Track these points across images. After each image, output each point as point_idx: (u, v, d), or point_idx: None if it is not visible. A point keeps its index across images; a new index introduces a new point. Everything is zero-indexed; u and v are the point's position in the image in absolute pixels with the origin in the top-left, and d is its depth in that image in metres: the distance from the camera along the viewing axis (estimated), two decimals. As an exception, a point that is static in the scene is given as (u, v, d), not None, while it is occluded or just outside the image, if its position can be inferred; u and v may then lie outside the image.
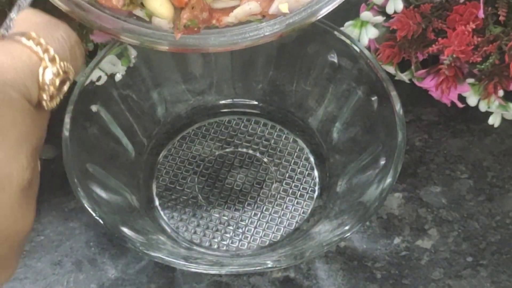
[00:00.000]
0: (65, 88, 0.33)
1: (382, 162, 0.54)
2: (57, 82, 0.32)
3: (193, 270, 0.47)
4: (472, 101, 0.58)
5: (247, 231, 0.56)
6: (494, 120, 0.60)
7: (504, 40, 0.53)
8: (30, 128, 0.31)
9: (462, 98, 0.59)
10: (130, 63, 0.59)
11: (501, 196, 0.59)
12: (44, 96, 0.32)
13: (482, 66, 0.54)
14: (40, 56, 0.31)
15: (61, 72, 0.32)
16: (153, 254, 0.47)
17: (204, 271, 0.47)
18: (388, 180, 0.51)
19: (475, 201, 0.59)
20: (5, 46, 0.31)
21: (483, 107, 0.59)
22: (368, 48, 0.61)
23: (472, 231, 0.57)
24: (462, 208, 0.59)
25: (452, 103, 0.59)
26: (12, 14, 0.36)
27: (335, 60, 0.59)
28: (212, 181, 0.59)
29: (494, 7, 0.53)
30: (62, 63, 0.32)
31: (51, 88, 0.32)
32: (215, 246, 0.56)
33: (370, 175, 0.54)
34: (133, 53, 0.59)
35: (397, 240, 0.57)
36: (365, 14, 0.58)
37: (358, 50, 0.58)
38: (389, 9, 0.56)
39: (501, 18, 0.52)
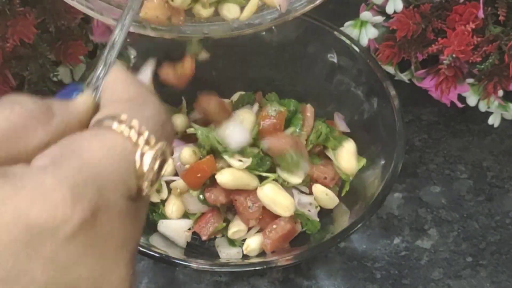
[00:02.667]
0: (164, 170, 0.29)
1: (382, 162, 0.54)
2: (156, 166, 0.28)
3: (193, 268, 0.47)
4: (471, 101, 0.58)
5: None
6: (493, 120, 0.60)
7: (503, 40, 0.53)
8: (130, 231, 0.27)
9: (461, 98, 0.59)
10: (130, 63, 0.59)
11: (501, 196, 0.59)
12: (144, 185, 0.28)
13: (482, 66, 0.54)
14: (134, 141, 0.27)
15: (158, 155, 0.28)
16: (153, 254, 0.47)
17: (204, 270, 0.47)
18: (388, 180, 0.51)
19: (474, 201, 0.59)
20: (99, 136, 0.27)
21: (482, 107, 0.59)
22: (368, 48, 0.61)
23: (472, 231, 0.57)
24: (461, 208, 0.59)
25: (452, 103, 0.59)
26: (99, 72, 0.32)
27: (335, 60, 0.59)
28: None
29: (493, 7, 0.53)
30: (158, 144, 0.28)
31: (151, 175, 0.28)
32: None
33: (370, 175, 0.54)
34: (133, 53, 0.59)
35: (396, 240, 0.57)
36: (365, 14, 0.58)
37: (358, 50, 0.58)
38: (389, 9, 0.56)
39: (500, 18, 0.52)
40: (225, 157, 0.52)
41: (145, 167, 0.27)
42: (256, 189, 0.52)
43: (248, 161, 0.52)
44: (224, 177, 0.51)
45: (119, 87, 0.30)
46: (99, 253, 0.25)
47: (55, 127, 0.27)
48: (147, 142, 0.27)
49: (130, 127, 0.27)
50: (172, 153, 0.31)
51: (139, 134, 0.27)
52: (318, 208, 0.54)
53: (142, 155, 0.27)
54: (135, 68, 0.58)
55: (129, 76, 0.31)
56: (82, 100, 0.30)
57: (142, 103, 0.29)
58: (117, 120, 0.27)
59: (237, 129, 0.52)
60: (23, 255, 0.23)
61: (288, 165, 0.51)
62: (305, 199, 0.53)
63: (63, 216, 0.23)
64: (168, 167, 0.52)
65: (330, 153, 0.56)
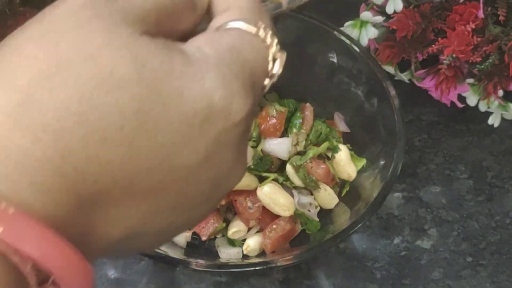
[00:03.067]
0: (277, 71, 0.31)
1: (382, 162, 0.54)
2: (280, 71, 0.30)
3: (193, 268, 0.47)
4: (471, 101, 0.58)
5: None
6: (493, 120, 0.60)
7: (503, 40, 0.53)
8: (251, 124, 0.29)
9: (461, 98, 0.59)
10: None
11: (501, 196, 0.59)
12: (267, 83, 0.30)
13: (482, 66, 0.54)
14: (268, 45, 0.29)
15: (283, 62, 0.30)
16: (153, 254, 0.47)
17: (204, 270, 0.47)
18: (388, 180, 0.51)
19: (474, 201, 0.59)
20: (245, 38, 0.28)
21: (482, 107, 0.59)
22: (368, 48, 0.61)
23: (472, 231, 0.57)
24: (461, 208, 0.59)
25: (452, 103, 0.59)
26: None
27: (335, 60, 0.59)
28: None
29: (493, 7, 0.53)
30: (284, 53, 0.30)
31: (275, 79, 0.30)
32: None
33: (370, 175, 0.54)
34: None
35: (396, 240, 0.57)
36: (365, 14, 0.58)
37: (358, 50, 0.58)
38: (389, 9, 0.56)
39: (500, 18, 0.52)
40: None
41: (276, 70, 0.30)
42: (255, 189, 0.52)
43: (249, 162, 0.52)
44: None
45: None
46: (245, 138, 0.28)
47: (198, 17, 0.30)
48: (277, 48, 0.30)
49: (266, 33, 0.29)
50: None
51: (272, 40, 0.30)
52: (318, 208, 0.54)
53: (274, 59, 0.30)
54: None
55: None
56: None
57: (262, 11, 0.31)
58: (254, 24, 0.29)
59: None
60: (197, 129, 0.25)
61: None
62: (305, 199, 0.53)
63: (238, 105, 0.26)
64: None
65: (327, 163, 0.56)
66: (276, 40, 0.30)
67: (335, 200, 0.54)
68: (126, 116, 0.23)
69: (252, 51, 0.28)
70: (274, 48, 0.30)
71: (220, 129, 0.25)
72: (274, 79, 0.30)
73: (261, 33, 0.29)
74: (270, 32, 0.30)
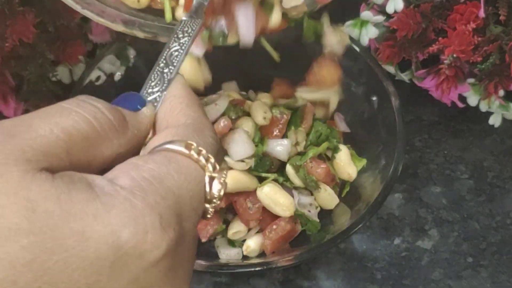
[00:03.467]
0: (222, 194, 0.28)
1: (382, 162, 0.53)
2: (222, 191, 0.27)
3: (193, 268, 0.47)
4: (472, 101, 0.58)
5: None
6: (494, 120, 0.60)
7: (504, 40, 0.52)
8: (192, 261, 0.27)
9: (462, 98, 0.59)
10: (129, 63, 0.59)
11: (502, 197, 0.59)
12: (210, 209, 0.28)
13: (483, 66, 0.54)
14: (202, 163, 0.27)
15: (223, 181, 0.28)
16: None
17: (204, 271, 0.47)
18: (388, 180, 0.51)
19: (475, 202, 0.59)
20: (173, 161, 0.26)
21: (483, 107, 0.59)
22: (368, 48, 0.60)
23: (472, 231, 0.57)
24: (462, 209, 0.58)
25: (452, 103, 0.59)
26: (154, 84, 0.31)
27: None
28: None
29: (494, 7, 0.53)
30: (225, 172, 0.28)
31: (217, 201, 0.27)
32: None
33: (371, 175, 0.54)
34: (132, 53, 0.59)
35: (397, 241, 0.56)
36: (365, 14, 0.58)
37: (358, 50, 0.58)
38: (389, 9, 0.56)
39: (501, 17, 0.52)
40: (227, 159, 0.52)
41: (215, 193, 0.27)
42: (255, 190, 0.52)
43: (250, 162, 0.52)
44: None
45: (178, 108, 0.30)
46: (173, 277, 0.25)
47: (128, 139, 0.27)
48: (214, 169, 0.27)
49: (198, 153, 0.27)
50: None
51: (207, 160, 0.27)
52: (318, 209, 0.54)
53: (211, 181, 0.27)
54: (134, 68, 0.59)
55: (188, 94, 0.30)
56: (148, 113, 0.29)
57: (202, 128, 0.29)
58: (186, 146, 0.27)
59: (241, 140, 0.52)
60: (107, 274, 0.22)
61: None
62: (305, 199, 0.53)
63: (153, 242, 0.23)
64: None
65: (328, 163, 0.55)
66: (213, 160, 0.27)
67: (336, 200, 0.54)
68: (18, 269, 0.21)
69: (180, 175, 0.26)
70: (210, 168, 0.27)
71: (136, 271, 0.23)
72: (217, 202, 0.27)
73: (193, 153, 0.27)
74: (204, 152, 0.27)
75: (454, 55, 0.53)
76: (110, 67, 0.58)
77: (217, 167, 0.27)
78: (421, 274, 0.55)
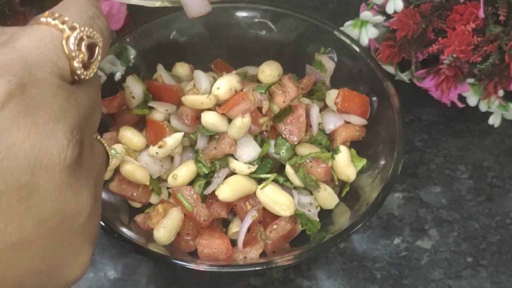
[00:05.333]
0: (97, 53, 0.33)
1: (382, 162, 0.53)
2: (83, 46, 0.32)
3: (193, 268, 0.47)
4: (472, 101, 0.58)
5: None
6: (494, 120, 0.60)
7: (504, 40, 0.53)
8: (65, 104, 0.30)
9: (462, 98, 0.59)
10: (130, 63, 0.59)
11: (501, 196, 0.59)
12: (76, 64, 0.31)
13: (482, 66, 0.54)
14: (59, 27, 0.31)
15: (84, 37, 0.32)
16: (153, 254, 0.47)
17: (204, 270, 0.47)
18: (388, 180, 0.51)
19: (475, 201, 0.59)
20: (27, 30, 0.31)
21: (483, 107, 0.59)
22: (368, 48, 0.60)
23: (472, 231, 0.57)
24: (462, 208, 0.59)
25: (452, 103, 0.59)
26: None
27: (335, 60, 0.59)
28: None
29: (494, 7, 0.53)
30: (83, 28, 0.32)
31: (80, 55, 0.32)
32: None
33: (370, 175, 0.54)
34: (132, 52, 0.59)
35: (397, 241, 0.57)
36: (365, 14, 0.58)
37: (358, 50, 0.58)
38: (389, 9, 0.56)
39: (501, 18, 0.52)
40: (234, 164, 0.52)
41: (71, 46, 0.31)
42: (255, 191, 0.52)
43: (253, 168, 0.52)
44: (225, 193, 0.50)
45: None
46: (32, 120, 0.28)
47: (3, 41, 0.32)
48: (71, 28, 0.32)
49: (55, 18, 0.32)
50: (106, 46, 0.35)
51: (64, 22, 0.32)
52: (318, 208, 0.54)
53: (67, 38, 0.32)
54: (134, 68, 0.59)
55: None
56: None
57: (71, 3, 0.34)
58: (43, 15, 0.32)
59: (248, 143, 0.52)
60: None
61: None
62: (305, 199, 0.53)
63: None
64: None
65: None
66: (70, 22, 0.32)
67: (335, 200, 0.54)
68: None
69: (31, 37, 0.31)
70: (67, 29, 0.32)
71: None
72: (79, 56, 0.32)
73: (49, 20, 0.32)
74: (62, 17, 0.32)
75: (454, 55, 0.53)
76: (111, 67, 0.58)
77: (77, 27, 0.32)
78: (421, 274, 0.55)
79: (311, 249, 0.49)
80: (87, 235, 0.31)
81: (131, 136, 0.54)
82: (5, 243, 0.27)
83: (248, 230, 0.51)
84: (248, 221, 0.51)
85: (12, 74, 0.28)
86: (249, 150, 0.52)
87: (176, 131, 0.53)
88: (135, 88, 0.55)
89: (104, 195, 0.52)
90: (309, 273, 0.54)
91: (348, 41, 0.58)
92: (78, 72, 0.32)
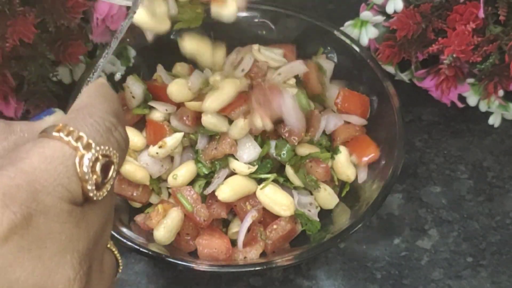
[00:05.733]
0: (112, 173, 0.30)
1: (382, 162, 0.53)
2: (98, 168, 0.29)
3: (193, 268, 0.47)
4: (472, 101, 0.58)
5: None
6: (494, 120, 0.60)
7: (504, 40, 0.52)
8: (74, 233, 0.28)
9: (462, 98, 0.59)
10: (130, 63, 0.59)
11: (501, 196, 0.59)
12: (89, 187, 0.29)
13: (482, 66, 0.54)
14: (73, 145, 0.28)
15: (100, 156, 0.29)
16: (153, 254, 0.47)
17: (204, 270, 0.47)
18: (388, 180, 0.51)
19: (475, 201, 0.59)
20: (37, 145, 0.28)
21: (483, 107, 0.59)
22: (368, 48, 0.60)
23: (472, 231, 0.57)
24: (462, 208, 0.59)
25: (452, 103, 0.59)
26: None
27: (335, 60, 0.59)
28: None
29: (494, 7, 0.53)
30: (99, 147, 0.29)
31: (93, 176, 0.29)
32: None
33: (370, 175, 0.54)
34: (132, 53, 0.59)
35: (397, 240, 0.57)
36: (365, 14, 0.58)
37: (358, 50, 0.58)
38: (389, 9, 0.56)
39: (501, 18, 0.52)
40: (234, 164, 0.52)
41: (85, 169, 0.28)
42: (255, 192, 0.52)
43: (254, 168, 0.52)
44: (225, 193, 0.51)
45: (78, 100, 0.32)
46: (38, 255, 0.26)
47: (12, 142, 0.30)
48: (86, 146, 0.29)
49: (68, 133, 0.28)
50: (122, 159, 0.32)
51: (78, 139, 0.28)
52: (318, 208, 0.54)
53: (81, 158, 0.28)
54: (134, 68, 0.59)
55: (98, 85, 0.33)
56: (50, 119, 0.32)
57: (87, 111, 0.31)
58: (56, 128, 0.29)
59: (248, 143, 0.52)
60: None
61: None
62: (305, 199, 0.53)
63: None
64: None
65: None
66: (86, 139, 0.29)
67: (335, 200, 0.54)
68: None
69: (41, 156, 0.28)
70: (81, 148, 0.28)
71: None
72: (92, 178, 0.29)
73: (62, 135, 0.28)
74: (76, 132, 0.29)
75: (454, 55, 0.53)
76: (111, 67, 0.58)
77: (92, 145, 0.29)
78: (421, 274, 0.55)
79: (311, 249, 0.49)
80: None
81: (131, 136, 0.53)
82: None
83: (248, 230, 0.51)
84: (248, 221, 0.51)
85: (18, 204, 0.26)
86: (250, 151, 0.52)
87: (176, 131, 0.53)
88: (135, 88, 0.55)
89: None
90: (309, 273, 0.54)
91: (348, 41, 0.58)
92: (91, 194, 0.29)
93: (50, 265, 0.26)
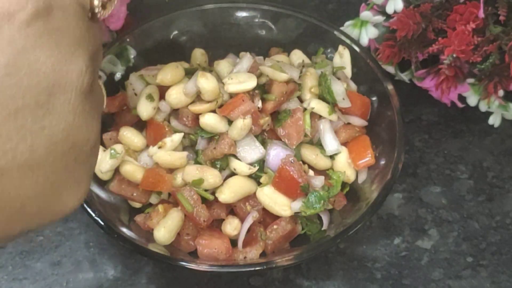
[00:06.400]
0: None
1: (382, 162, 0.53)
2: None
3: (193, 268, 0.47)
4: (472, 101, 0.58)
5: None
6: (494, 120, 0.60)
7: (504, 40, 0.52)
8: (85, 33, 0.31)
9: (462, 98, 0.59)
10: (130, 63, 0.59)
11: (501, 196, 0.59)
12: (96, 2, 0.32)
13: (482, 66, 0.54)
14: None
15: None
16: (153, 254, 0.47)
17: (204, 270, 0.47)
18: (388, 180, 0.51)
19: (475, 201, 0.59)
20: None
21: (483, 107, 0.59)
22: (368, 48, 0.60)
23: (472, 231, 0.57)
24: (462, 208, 0.59)
25: (452, 103, 0.59)
26: None
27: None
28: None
29: (494, 7, 0.53)
30: None
31: None
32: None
33: (370, 175, 0.54)
34: (132, 52, 0.59)
35: (397, 240, 0.57)
36: (365, 14, 0.58)
37: (358, 50, 0.58)
38: (389, 9, 0.56)
39: (501, 18, 0.52)
40: (237, 164, 0.52)
41: None
42: (254, 192, 0.52)
43: (256, 167, 0.52)
44: (226, 194, 0.51)
45: None
46: (56, 41, 0.29)
47: None
48: None
49: None
50: None
51: None
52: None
53: None
54: (134, 68, 0.59)
55: None
56: None
57: None
58: None
59: (252, 143, 0.52)
60: None
61: None
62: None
63: (18, 3, 0.28)
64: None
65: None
66: None
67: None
68: None
69: None
70: None
71: (9, 32, 0.27)
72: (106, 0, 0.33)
73: None
74: None
75: (454, 55, 0.53)
76: (111, 67, 0.58)
77: None
78: (421, 274, 0.55)
79: (311, 249, 0.49)
80: (88, 167, 0.31)
81: (131, 136, 0.54)
82: (14, 162, 0.27)
83: (248, 230, 0.51)
84: (248, 221, 0.51)
85: None
86: (254, 152, 0.52)
87: (176, 131, 0.53)
88: (138, 85, 0.55)
89: (104, 195, 0.52)
90: (309, 273, 0.54)
91: (348, 41, 0.58)
92: (96, 10, 0.32)
93: (66, 54, 0.29)
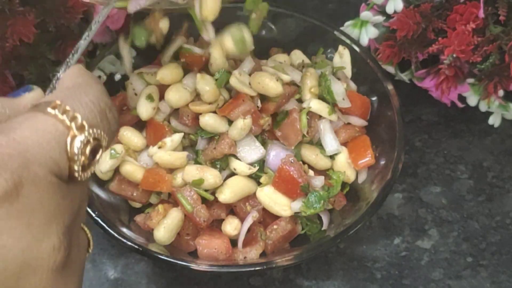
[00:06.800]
0: (98, 156, 0.31)
1: (382, 162, 0.53)
2: (88, 150, 0.30)
3: (193, 268, 0.47)
4: (472, 101, 0.58)
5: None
6: (494, 120, 0.60)
7: (504, 40, 0.52)
8: (61, 203, 0.29)
9: (462, 98, 0.59)
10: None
11: (501, 196, 0.59)
12: (75, 167, 0.29)
13: (482, 66, 0.54)
14: (66, 124, 0.29)
15: (91, 140, 0.30)
16: (153, 254, 0.47)
17: (204, 270, 0.47)
18: (388, 180, 0.51)
19: (475, 201, 0.59)
20: (31, 119, 0.29)
21: (483, 107, 0.59)
22: (368, 48, 0.60)
23: (472, 231, 0.57)
24: (462, 208, 0.59)
25: (452, 103, 0.59)
26: (60, 74, 0.35)
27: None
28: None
29: (494, 7, 0.53)
30: (91, 130, 0.30)
31: (82, 158, 0.30)
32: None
33: (370, 175, 0.54)
34: (132, 52, 0.59)
35: (397, 240, 0.57)
36: (365, 14, 0.58)
37: (358, 50, 0.58)
38: (389, 9, 0.56)
39: (501, 18, 0.52)
40: (237, 165, 0.52)
41: (75, 150, 0.29)
42: (254, 193, 0.52)
43: (256, 168, 0.52)
44: (226, 194, 0.51)
45: (67, 78, 0.33)
46: (26, 223, 0.27)
47: None
48: (80, 128, 0.29)
49: (64, 112, 0.29)
50: (111, 141, 0.33)
51: (72, 119, 0.29)
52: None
53: (73, 138, 0.29)
54: (134, 68, 0.59)
55: (81, 68, 0.34)
56: (30, 95, 0.33)
57: (83, 90, 0.31)
58: (51, 105, 0.29)
59: (252, 143, 0.52)
60: None
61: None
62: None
63: None
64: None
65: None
66: (80, 119, 0.30)
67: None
68: None
69: (32, 130, 0.28)
70: (74, 128, 0.29)
71: None
72: (81, 160, 0.29)
73: (56, 113, 0.29)
74: (71, 112, 0.29)
75: (454, 55, 0.53)
76: (110, 67, 0.58)
77: (85, 126, 0.30)
78: (421, 274, 0.55)
79: (311, 249, 0.49)
80: None
81: (131, 136, 0.54)
82: None
83: (248, 230, 0.51)
84: (248, 221, 0.51)
85: (10, 172, 0.26)
86: (254, 151, 0.52)
87: (176, 131, 0.53)
88: (138, 85, 0.55)
89: (104, 195, 0.52)
90: (309, 273, 0.54)
91: (348, 41, 0.58)
92: (76, 174, 0.30)
93: (37, 234, 0.27)
